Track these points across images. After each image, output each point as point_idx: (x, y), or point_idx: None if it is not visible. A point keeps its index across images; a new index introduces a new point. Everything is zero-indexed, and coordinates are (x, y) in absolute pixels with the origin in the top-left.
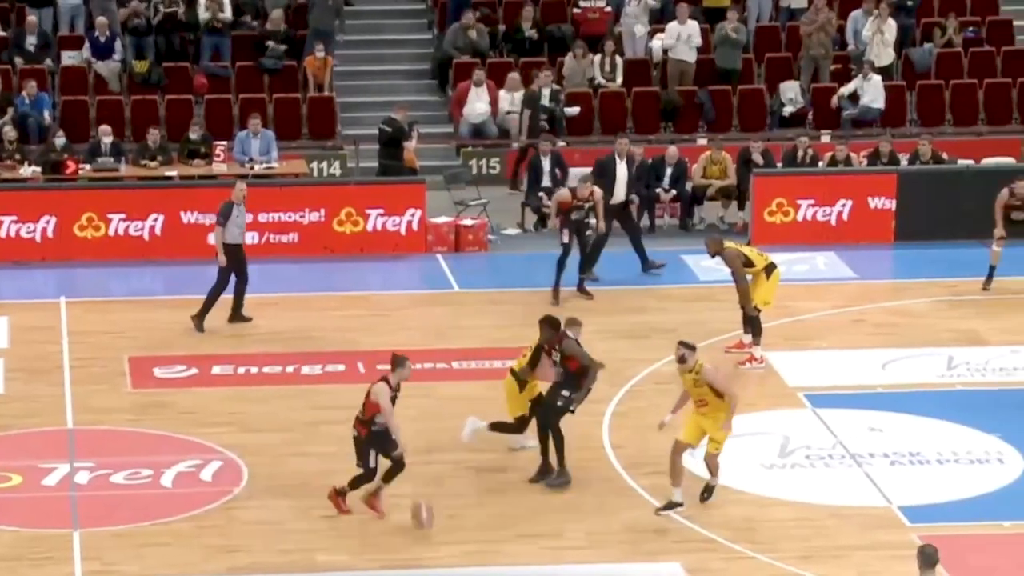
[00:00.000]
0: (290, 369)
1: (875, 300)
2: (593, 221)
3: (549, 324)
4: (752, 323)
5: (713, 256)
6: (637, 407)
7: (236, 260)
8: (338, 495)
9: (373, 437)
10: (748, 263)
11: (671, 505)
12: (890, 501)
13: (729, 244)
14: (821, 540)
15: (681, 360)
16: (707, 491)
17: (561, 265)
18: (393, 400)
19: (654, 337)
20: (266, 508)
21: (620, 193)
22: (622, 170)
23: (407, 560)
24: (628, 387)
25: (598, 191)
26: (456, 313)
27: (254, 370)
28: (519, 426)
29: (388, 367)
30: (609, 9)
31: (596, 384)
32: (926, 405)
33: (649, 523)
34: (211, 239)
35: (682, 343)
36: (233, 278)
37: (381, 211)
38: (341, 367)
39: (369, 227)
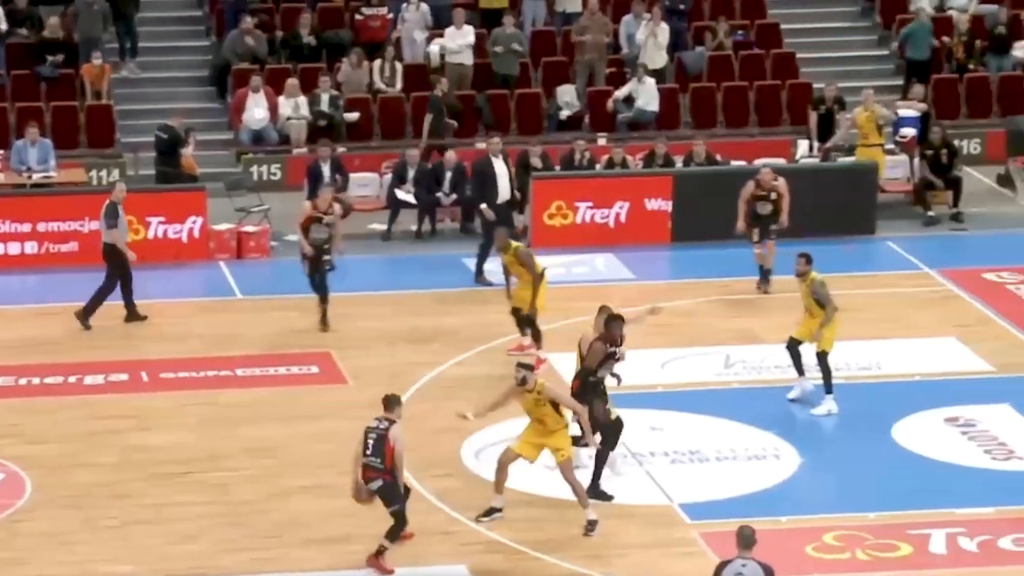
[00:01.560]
0: (72, 379)
1: (653, 300)
2: (337, 245)
3: (616, 317)
4: (531, 324)
5: (499, 250)
6: (422, 411)
7: (119, 259)
8: (377, 556)
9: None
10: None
11: (491, 511)
12: (671, 499)
13: (516, 243)
14: (605, 539)
15: (522, 382)
16: (590, 525)
17: (316, 289)
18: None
19: (437, 340)
20: (50, 520)
21: (504, 192)
22: (501, 168)
23: (191, 568)
24: (412, 391)
25: (338, 207)
26: (239, 320)
27: (36, 381)
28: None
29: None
30: (391, 16)
31: (379, 388)
32: (705, 403)
33: (435, 526)
34: (105, 239)
35: (521, 364)
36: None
37: (162, 219)
38: (124, 376)
39: (150, 235)
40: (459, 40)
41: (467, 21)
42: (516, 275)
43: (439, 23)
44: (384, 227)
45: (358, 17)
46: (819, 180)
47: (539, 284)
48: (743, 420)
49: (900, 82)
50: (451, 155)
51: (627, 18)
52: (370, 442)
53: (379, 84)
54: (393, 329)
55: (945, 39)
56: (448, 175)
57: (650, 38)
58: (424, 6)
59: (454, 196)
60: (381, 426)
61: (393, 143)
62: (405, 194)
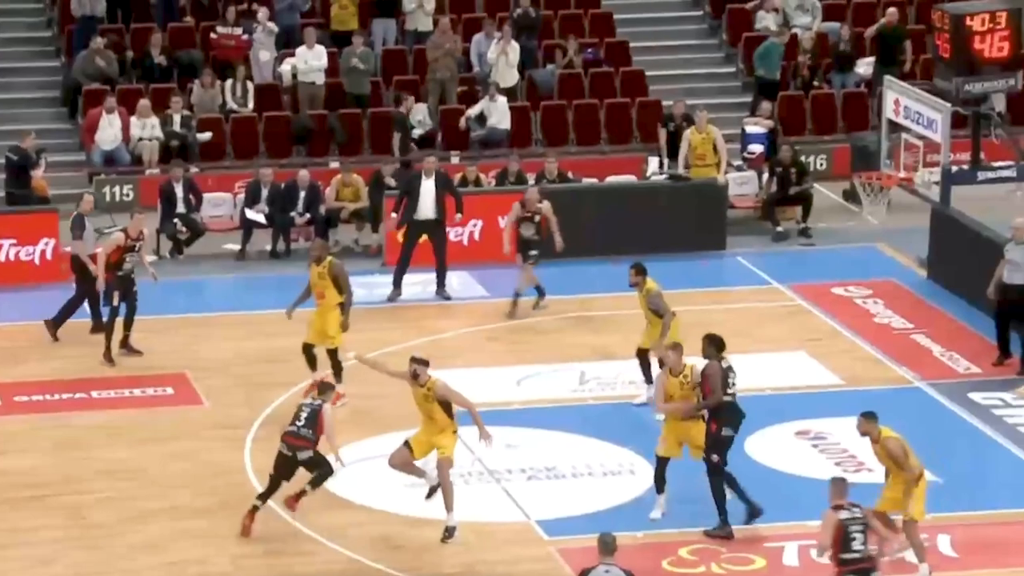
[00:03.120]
0: None
1: (508, 318)
2: (149, 271)
3: (713, 342)
4: (332, 356)
5: (313, 261)
6: (277, 432)
7: (85, 271)
8: (296, 499)
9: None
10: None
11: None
12: (528, 516)
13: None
14: (462, 556)
15: (414, 376)
16: (448, 532)
17: (110, 329)
18: None
19: (292, 359)
20: None
21: (426, 210)
22: (427, 187)
23: None
24: (268, 411)
25: (146, 231)
26: (94, 341)
27: None
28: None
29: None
30: (246, 36)
31: (236, 409)
32: (560, 420)
33: (295, 545)
34: (72, 251)
35: (415, 359)
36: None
37: (14, 241)
38: None
39: (1, 258)
40: (311, 60)
41: (318, 41)
42: (319, 292)
43: (290, 43)
44: (238, 247)
45: (213, 36)
46: (669, 197)
47: (349, 306)
48: (598, 436)
49: (748, 99)
50: (304, 174)
51: (478, 37)
52: (303, 415)
53: (231, 104)
54: (249, 349)
55: (801, 59)
56: (302, 195)
57: (501, 56)
58: (271, 25)
59: (308, 215)
60: (315, 403)
61: (246, 163)
62: (256, 214)
